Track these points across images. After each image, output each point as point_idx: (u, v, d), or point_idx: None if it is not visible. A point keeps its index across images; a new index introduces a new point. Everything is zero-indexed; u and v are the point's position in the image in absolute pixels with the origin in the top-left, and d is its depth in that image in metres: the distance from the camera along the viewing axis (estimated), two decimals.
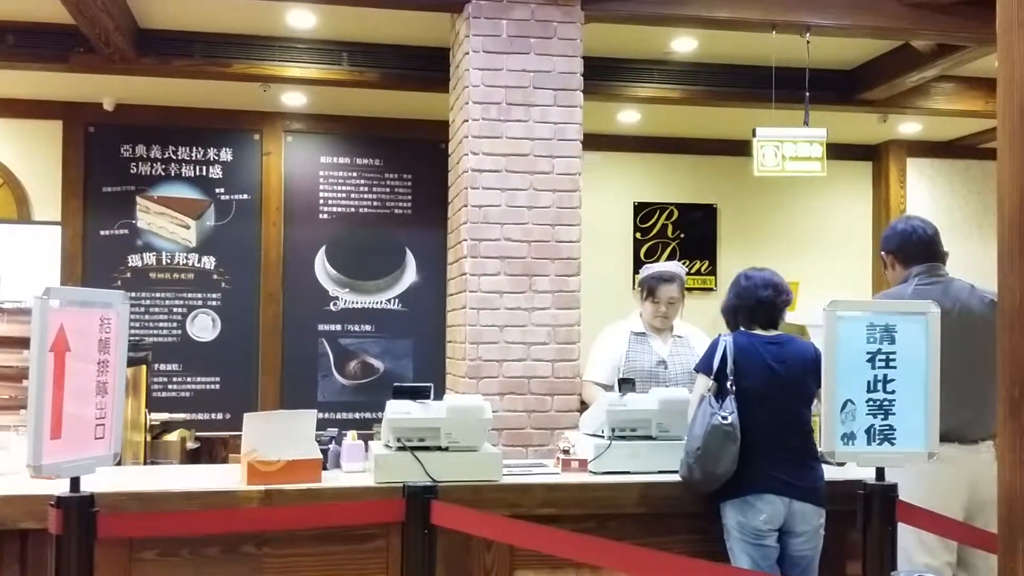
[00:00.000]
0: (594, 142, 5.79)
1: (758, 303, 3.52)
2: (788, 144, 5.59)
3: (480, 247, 4.97)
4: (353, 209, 7.72)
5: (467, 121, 5.01)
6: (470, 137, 4.99)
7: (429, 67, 6.21)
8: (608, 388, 4.28)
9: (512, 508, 3.34)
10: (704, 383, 3.46)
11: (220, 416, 7.33)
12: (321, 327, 7.60)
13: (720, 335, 3.52)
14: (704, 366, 3.49)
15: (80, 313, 2.65)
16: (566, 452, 3.72)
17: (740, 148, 6.42)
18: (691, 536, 3.53)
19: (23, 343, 3.46)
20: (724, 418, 3.29)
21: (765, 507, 3.30)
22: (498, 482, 3.45)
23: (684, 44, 6.26)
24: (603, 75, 6.36)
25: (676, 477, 3.50)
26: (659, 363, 4.29)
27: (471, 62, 5.00)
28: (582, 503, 3.47)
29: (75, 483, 2.67)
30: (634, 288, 4.47)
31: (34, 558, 3.15)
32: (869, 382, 2.88)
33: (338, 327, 7.63)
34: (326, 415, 6.93)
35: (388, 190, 7.78)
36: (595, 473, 3.61)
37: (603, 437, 3.68)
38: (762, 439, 3.34)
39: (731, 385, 3.37)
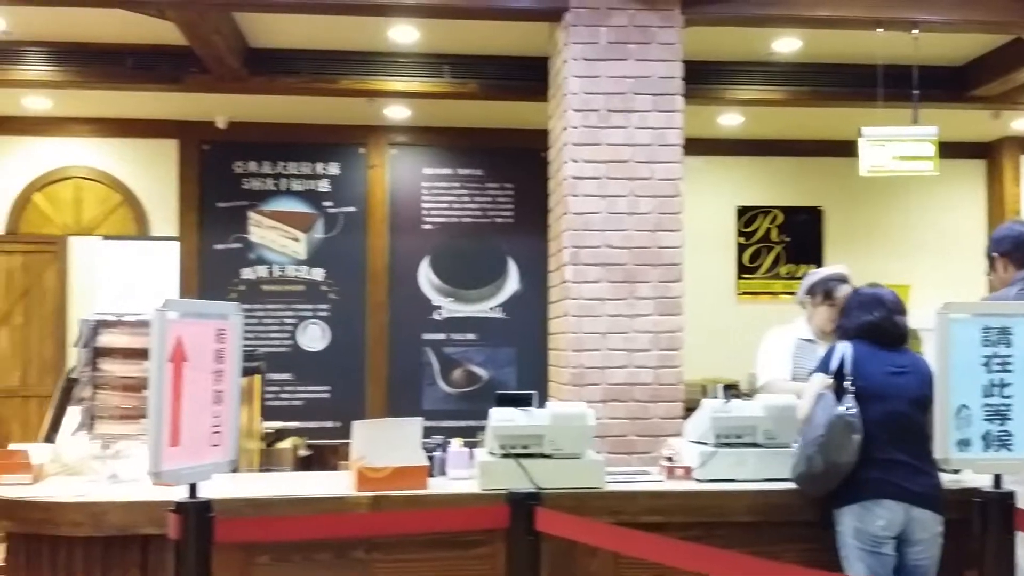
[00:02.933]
0: (695, 146, 5.73)
1: (895, 327, 3.48)
2: (896, 143, 5.43)
3: (581, 254, 4.97)
4: (455, 219, 7.82)
5: (566, 129, 5.02)
6: (570, 145, 5.00)
7: (528, 76, 6.25)
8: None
9: (616, 516, 3.32)
10: (821, 380, 3.42)
11: (330, 424, 7.49)
12: (426, 336, 7.71)
13: (836, 343, 3.50)
14: (822, 367, 3.45)
15: (197, 325, 2.75)
16: (670, 459, 3.68)
17: (846, 149, 6.26)
18: (802, 545, 3.45)
19: (144, 354, 3.58)
20: (848, 409, 3.25)
21: (884, 512, 3.23)
22: (602, 489, 3.43)
23: (787, 44, 6.15)
24: (704, 79, 6.29)
25: (785, 485, 3.43)
26: None
27: (570, 70, 5.01)
28: (688, 511, 3.43)
29: (193, 489, 2.76)
30: (800, 295, 4.37)
31: (154, 563, 3.25)
32: (985, 386, 2.78)
33: (442, 336, 7.72)
34: (431, 423, 7.00)
35: (489, 199, 7.85)
36: (700, 481, 3.56)
37: (708, 444, 3.63)
38: (880, 444, 3.28)
39: (850, 385, 3.32)
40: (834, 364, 3.39)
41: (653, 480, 3.63)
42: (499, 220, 7.86)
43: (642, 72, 5.03)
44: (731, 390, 3.72)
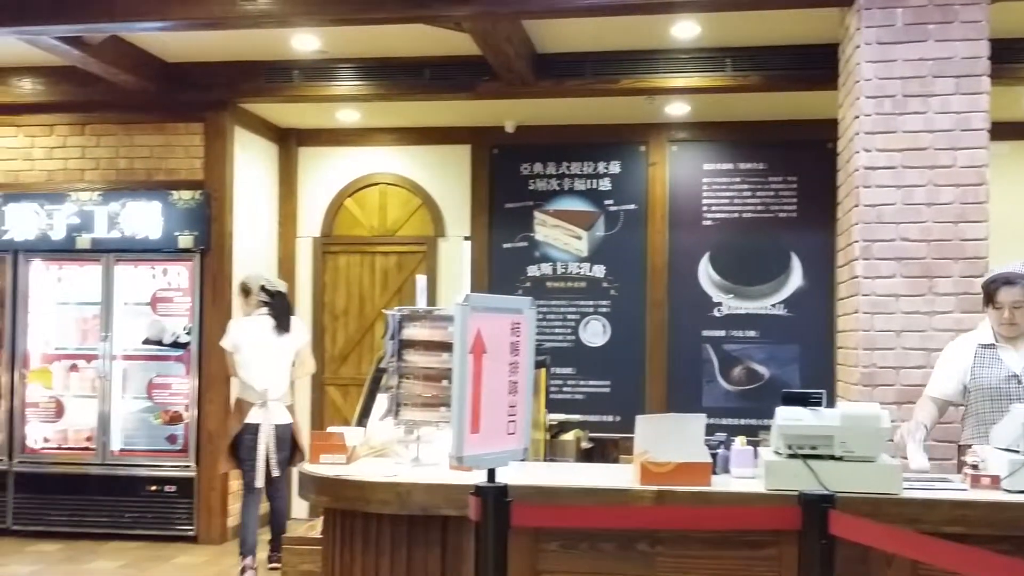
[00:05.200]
0: (1002, 131, 5.30)
1: None
2: None
3: (873, 248, 4.76)
4: (736, 214, 7.71)
5: (858, 117, 4.82)
6: (862, 134, 4.80)
7: (815, 65, 6.07)
8: (947, 404, 4.06)
9: (914, 524, 3.16)
10: None
11: (610, 418, 7.62)
12: (705, 332, 7.66)
13: None
14: None
15: (494, 318, 2.91)
16: (975, 467, 3.45)
17: None
18: None
19: (442, 347, 3.83)
20: None
21: None
22: (898, 496, 3.28)
23: None
24: (1012, 57, 5.81)
25: None
26: (1010, 377, 3.87)
27: (862, 55, 4.81)
28: (995, 523, 3.20)
29: (491, 474, 2.92)
30: None
31: (453, 543, 3.45)
32: None
33: (722, 333, 7.64)
34: (711, 420, 6.96)
35: (772, 194, 7.67)
36: (1009, 491, 3.31)
37: (1019, 453, 3.37)
38: None
39: None
40: None
41: (955, 488, 3.41)
42: (782, 215, 7.66)
43: (943, 53, 4.73)
44: None
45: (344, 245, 8.15)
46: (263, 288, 6.31)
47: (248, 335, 6.21)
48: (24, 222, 7.28)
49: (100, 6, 5.52)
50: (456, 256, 8.01)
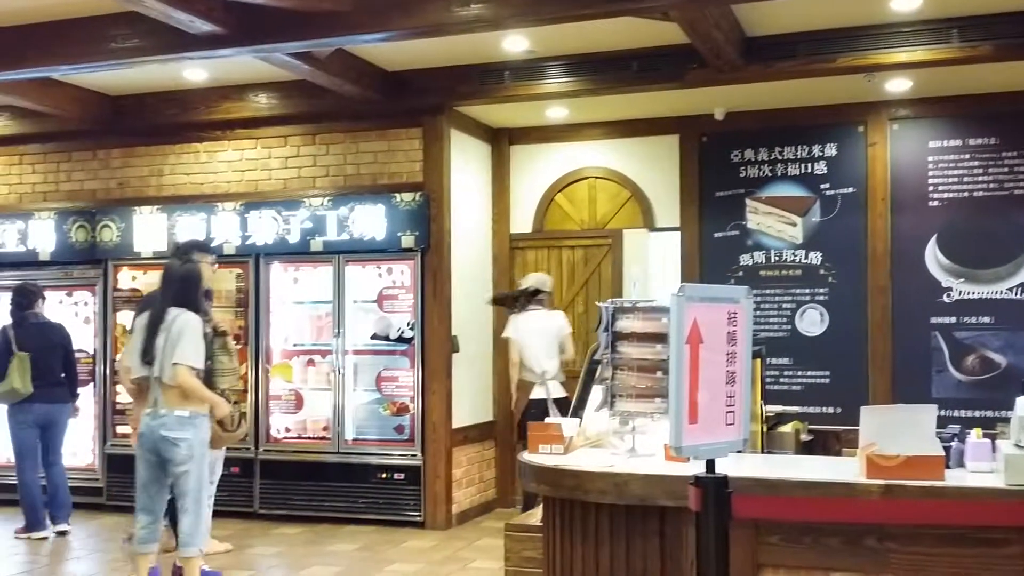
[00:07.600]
0: None
1: None
2: None
3: None
4: (967, 193, 7.30)
5: None
6: None
7: None
8: None
9: None
10: None
11: (830, 410, 7.39)
12: (934, 320, 7.30)
13: None
14: None
15: (710, 308, 2.91)
16: None
17: None
18: None
19: (654, 338, 3.84)
20: None
21: None
22: None
23: None
24: None
25: None
26: None
27: None
28: None
29: (710, 465, 2.92)
30: None
31: (671, 533, 3.45)
32: None
33: (953, 319, 7.26)
34: (942, 412, 6.62)
35: (1006, 170, 7.23)
36: None
37: None
38: None
39: None
40: None
41: None
42: (1018, 192, 7.18)
43: None
44: None
45: (555, 239, 8.27)
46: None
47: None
48: (264, 228, 7.87)
49: (326, 21, 5.88)
50: (669, 247, 7.96)
